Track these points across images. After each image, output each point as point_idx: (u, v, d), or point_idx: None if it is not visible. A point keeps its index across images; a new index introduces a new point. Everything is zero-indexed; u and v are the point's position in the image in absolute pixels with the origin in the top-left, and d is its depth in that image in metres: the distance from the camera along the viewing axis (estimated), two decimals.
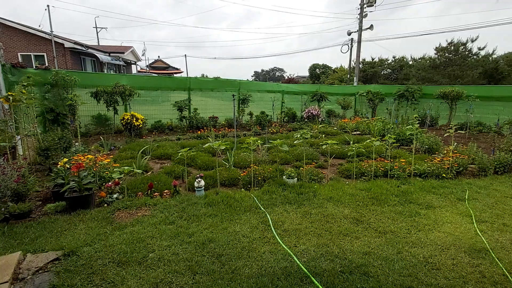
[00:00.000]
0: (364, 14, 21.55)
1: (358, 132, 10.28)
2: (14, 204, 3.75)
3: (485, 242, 3.21)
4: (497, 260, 2.88)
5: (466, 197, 4.48)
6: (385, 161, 6.01)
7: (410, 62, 30.35)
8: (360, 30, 21.70)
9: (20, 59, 18.33)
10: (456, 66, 24.83)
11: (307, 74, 43.85)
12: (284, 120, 12.76)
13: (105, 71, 24.85)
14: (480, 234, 3.40)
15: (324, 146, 5.92)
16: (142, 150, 6.11)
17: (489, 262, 2.87)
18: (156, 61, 39.99)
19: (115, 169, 4.63)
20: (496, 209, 4.09)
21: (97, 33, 36.02)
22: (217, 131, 9.88)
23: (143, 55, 37.96)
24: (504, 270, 2.73)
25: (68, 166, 4.38)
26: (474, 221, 3.72)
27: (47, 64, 17.96)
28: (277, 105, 12.79)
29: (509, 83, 21.46)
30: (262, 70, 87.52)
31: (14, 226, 3.46)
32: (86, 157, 4.86)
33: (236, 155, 6.43)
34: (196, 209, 3.95)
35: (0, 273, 2.52)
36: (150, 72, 31.16)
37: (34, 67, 8.44)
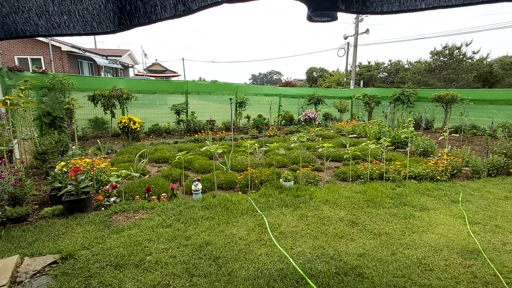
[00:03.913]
0: (360, 18, 21.80)
1: (354, 135, 10.37)
2: (11, 208, 3.76)
3: (478, 243, 3.27)
4: (489, 261, 2.94)
5: (460, 199, 4.56)
6: (381, 164, 6.08)
7: (406, 66, 30.64)
8: (356, 34, 21.93)
9: (16, 62, 18.30)
10: (451, 70, 25.12)
11: (304, 77, 44.06)
12: (281, 123, 12.84)
13: (103, 74, 24.86)
14: (472, 235, 3.46)
15: (320, 149, 5.99)
16: (139, 153, 6.13)
17: (481, 263, 2.93)
18: (153, 64, 39.99)
19: (112, 173, 4.65)
20: (489, 211, 4.16)
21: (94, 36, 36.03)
22: (215, 134, 9.92)
23: (145, 56, 38.04)
24: (496, 271, 2.79)
25: (66, 170, 4.40)
26: (467, 222, 3.78)
27: (44, 68, 17.94)
28: (274, 108, 12.86)
29: (503, 87, 21.75)
30: (260, 73, 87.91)
31: (12, 230, 3.47)
32: (83, 160, 4.88)
33: (233, 159, 6.47)
34: (193, 212, 3.98)
35: None
36: (148, 76, 31.17)
37: (31, 70, 8.44)
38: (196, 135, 9.71)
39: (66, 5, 1.10)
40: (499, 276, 2.72)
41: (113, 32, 1.15)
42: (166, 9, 1.10)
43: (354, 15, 22.11)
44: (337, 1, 1.14)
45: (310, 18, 1.25)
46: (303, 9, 1.25)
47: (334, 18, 1.26)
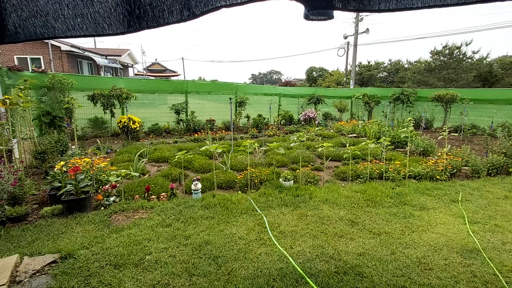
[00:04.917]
0: (360, 18, 21.79)
1: (354, 135, 10.38)
2: (10, 207, 3.76)
3: (477, 243, 3.27)
4: (488, 260, 2.94)
5: (459, 199, 4.56)
6: (380, 163, 6.08)
7: (406, 65, 30.65)
8: (356, 33, 21.92)
9: (16, 62, 18.28)
10: (451, 70, 25.12)
11: (304, 77, 44.05)
12: (281, 123, 12.83)
13: (102, 74, 24.83)
14: (472, 234, 3.46)
15: (320, 149, 5.99)
16: (139, 153, 6.12)
17: (480, 262, 2.93)
18: (153, 64, 39.92)
19: (112, 172, 4.64)
20: (488, 210, 4.17)
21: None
22: (214, 134, 9.92)
23: (144, 54, 38.02)
24: (495, 270, 2.79)
25: (65, 169, 4.39)
26: (466, 222, 3.79)
27: (43, 67, 17.92)
28: (274, 108, 12.86)
29: (503, 86, 21.75)
30: (260, 73, 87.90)
31: (11, 229, 3.47)
32: (83, 160, 4.88)
33: (233, 158, 6.47)
34: (193, 211, 3.98)
35: None
36: (147, 75, 31.14)
37: (30, 70, 8.44)
38: (196, 135, 9.71)
39: (79, 9, 1.17)
40: (499, 275, 2.72)
41: (123, 33, 1.21)
42: (173, 14, 1.17)
43: (354, 15, 22.11)
44: (333, 0, 1.16)
45: (307, 17, 1.27)
46: (302, 8, 1.26)
47: (331, 17, 1.29)
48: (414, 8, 1.14)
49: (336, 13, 1.29)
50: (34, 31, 1.22)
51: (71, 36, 1.25)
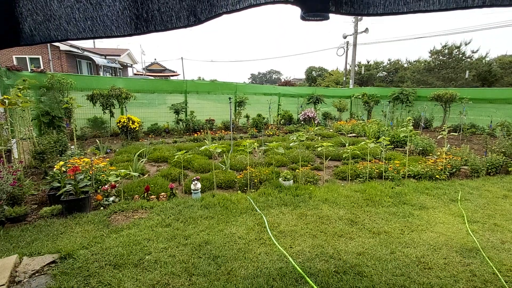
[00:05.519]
0: (359, 18, 21.79)
1: (353, 134, 10.38)
2: (9, 208, 3.75)
3: (476, 242, 3.27)
4: (488, 259, 2.95)
5: (459, 198, 4.56)
6: (380, 163, 6.08)
7: (405, 65, 30.69)
8: (356, 33, 21.93)
9: (15, 62, 18.24)
10: (450, 69, 25.17)
11: (303, 76, 44.04)
12: (281, 122, 12.83)
13: (101, 73, 24.80)
14: (471, 234, 3.46)
15: (319, 149, 5.99)
16: (138, 153, 6.12)
17: (479, 261, 2.94)
18: (152, 63, 39.88)
19: (111, 172, 4.64)
20: (488, 210, 4.17)
21: None
22: (214, 134, 9.91)
23: (143, 53, 38.00)
24: (494, 269, 2.79)
25: (64, 169, 4.39)
26: (466, 221, 3.79)
27: (42, 67, 17.89)
28: (273, 107, 12.85)
29: (502, 86, 21.78)
30: (259, 73, 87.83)
31: (10, 230, 3.47)
32: (82, 160, 4.87)
33: (233, 158, 6.47)
34: (192, 211, 3.98)
35: None
36: (147, 75, 31.10)
37: (29, 70, 8.42)
38: (195, 135, 9.70)
39: (89, 12, 1.26)
40: (498, 274, 2.72)
41: (130, 35, 1.28)
42: (180, 20, 1.24)
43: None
44: (328, 3, 1.22)
45: (303, 18, 1.32)
46: (299, 9, 1.29)
47: (326, 18, 1.35)
48: (400, 13, 1.20)
49: (333, 14, 1.34)
50: (48, 34, 1.28)
51: (82, 38, 1.31)
